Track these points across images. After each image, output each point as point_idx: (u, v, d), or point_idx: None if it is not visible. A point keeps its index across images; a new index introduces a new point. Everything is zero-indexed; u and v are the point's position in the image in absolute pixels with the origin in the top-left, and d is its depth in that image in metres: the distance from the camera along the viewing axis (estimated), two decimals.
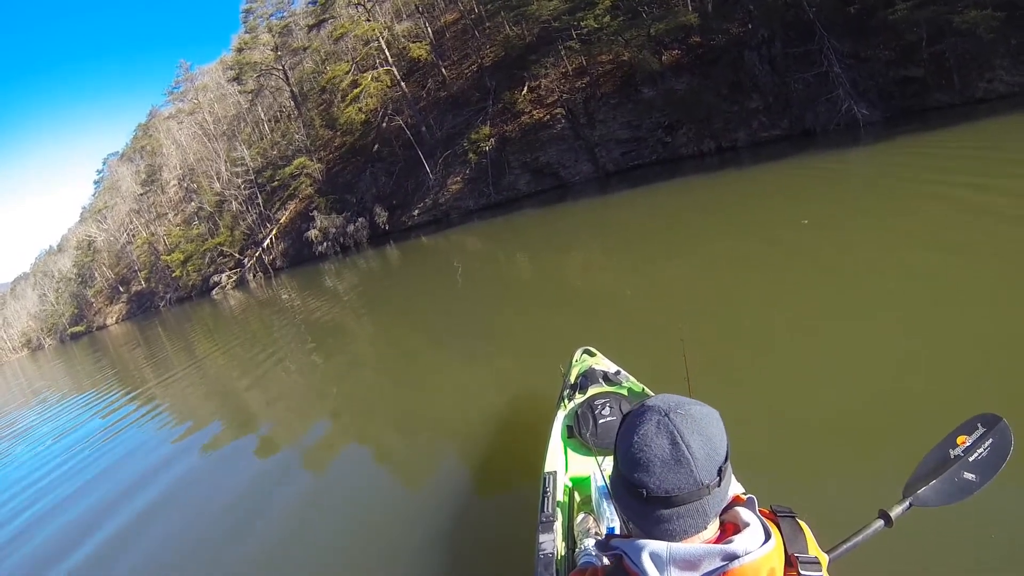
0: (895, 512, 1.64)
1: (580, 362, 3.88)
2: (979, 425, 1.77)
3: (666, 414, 0.96)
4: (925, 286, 4.87)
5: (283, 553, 4.11)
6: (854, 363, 4.05)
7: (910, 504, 1.68)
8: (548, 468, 2.93)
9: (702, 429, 0.96)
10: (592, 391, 3.43)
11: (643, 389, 3.44)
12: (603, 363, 3.80)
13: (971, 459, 1.72)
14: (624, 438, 1.00)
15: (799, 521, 1.13)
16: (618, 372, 3.62)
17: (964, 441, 1.76)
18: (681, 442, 0.93)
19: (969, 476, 1.69)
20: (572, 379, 3.63)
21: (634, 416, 1.01)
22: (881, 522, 1.63)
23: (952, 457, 1.74)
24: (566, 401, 3.44)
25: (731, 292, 6.09)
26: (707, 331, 5.27)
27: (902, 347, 4.07)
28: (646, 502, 0.95)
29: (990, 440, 1.74)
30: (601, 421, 3.09)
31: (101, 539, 5.43)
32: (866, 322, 4.57)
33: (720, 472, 0.96)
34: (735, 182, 12.60)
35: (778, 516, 1.12)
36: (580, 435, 3.08)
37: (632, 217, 12.94)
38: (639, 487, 0.95)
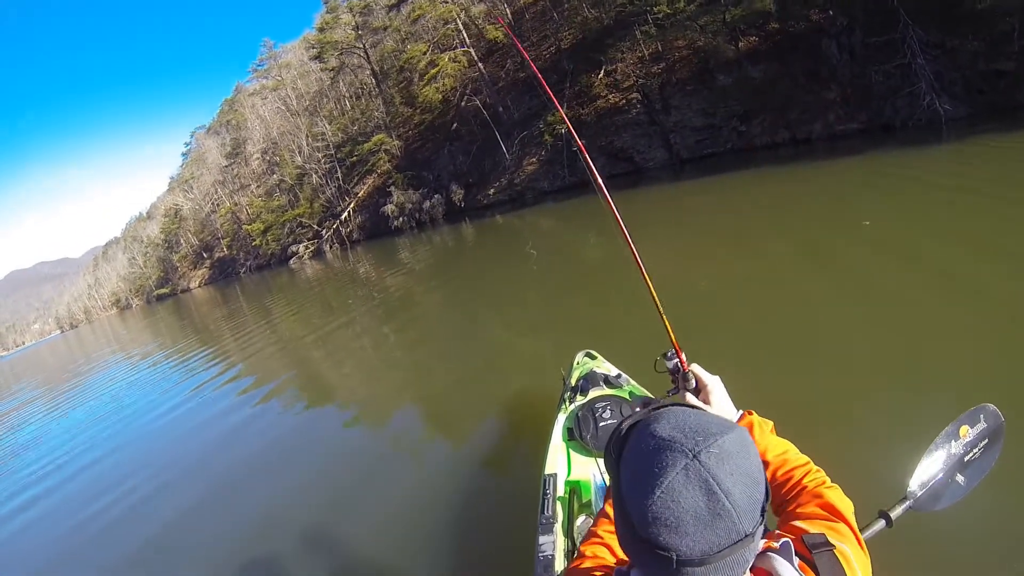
0: (895, 513, 1.64)
1: (581, 365, 3.93)
2: (981, 418, 1.82)
3: (695, 455, 0.76)
4: (971, 299, 4.81)
5: (280, 547, 4.43)
6: (865, 363, 4.19)
7: (910, 505, 1.69)
8: (548, 470, 2.99)
9: (740, 466, 0.78)
10: (593, 394, 3.46)
11: (644, 392, 3.45)
12: (604, 366, 3.85)
13: (966, 459, 1.77)
14: (637, 487, 0.80)
15: (836, 552, 0.97)
16: (619, 375, 3.68)
17: (967, 433, 1.79)
18: (719, 491, 0.75)
19: (960, 479, 1.75)
20: (573, 382, 3.66)
21: (646, 456, 0.81)
22: (882, 522, 1.62)
23: (952, 453, 1.76)
24: (567, 404, 3.47)
25: (773, 295, 6.04)
26: (738, 330, 5.44)
27: (916, 347, 4.19)
28: (675, 567, 0.76)
29: (986, 440, 1.80)
30: (602, 424, 3.14)
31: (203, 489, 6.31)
32: (891, 328, 4.65)
33: (763, 511, 0.80)
34: (807, 176, 12.55)
35: (814, 553, 0.95)
36: (581, 438, 3.12)
37: (701, 207, 12.96)
38: (666, 551, 0.76)
